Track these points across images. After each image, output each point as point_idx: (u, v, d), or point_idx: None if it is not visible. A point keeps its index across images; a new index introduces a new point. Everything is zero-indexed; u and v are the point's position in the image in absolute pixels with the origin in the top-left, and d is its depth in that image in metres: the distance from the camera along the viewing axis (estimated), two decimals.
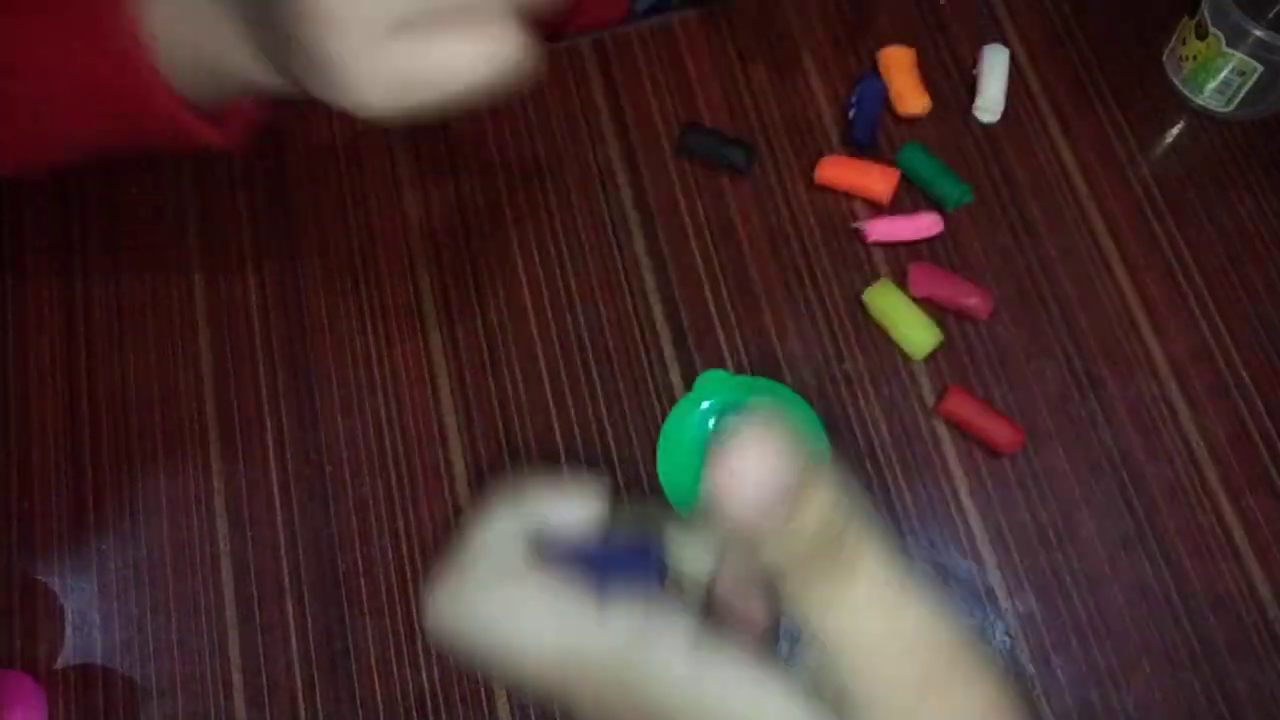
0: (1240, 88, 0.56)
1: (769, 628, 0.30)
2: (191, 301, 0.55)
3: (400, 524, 0.51)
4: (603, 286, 0.55)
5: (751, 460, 0.25)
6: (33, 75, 0.42)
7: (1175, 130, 0.58)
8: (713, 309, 0.54)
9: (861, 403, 0.53)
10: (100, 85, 0.42)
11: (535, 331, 0.54)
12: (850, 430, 0.52)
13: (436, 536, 0.51)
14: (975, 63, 0.59)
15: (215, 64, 0.42)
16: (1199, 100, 0.58)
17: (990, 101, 0.58)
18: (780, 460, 0.25)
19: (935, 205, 0.56)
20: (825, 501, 0.26)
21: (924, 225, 0.55)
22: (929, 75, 0.59)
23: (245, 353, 0.54)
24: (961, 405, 0.51)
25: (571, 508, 0.33)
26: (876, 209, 0.56)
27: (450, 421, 0.53)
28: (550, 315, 0.54)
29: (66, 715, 0.48)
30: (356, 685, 0.48)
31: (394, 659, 0.49)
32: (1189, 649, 0.48)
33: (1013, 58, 0.59)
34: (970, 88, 0.59)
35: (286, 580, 0.50)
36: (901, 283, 0.54)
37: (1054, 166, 0.57)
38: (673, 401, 0.52)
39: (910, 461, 0.51)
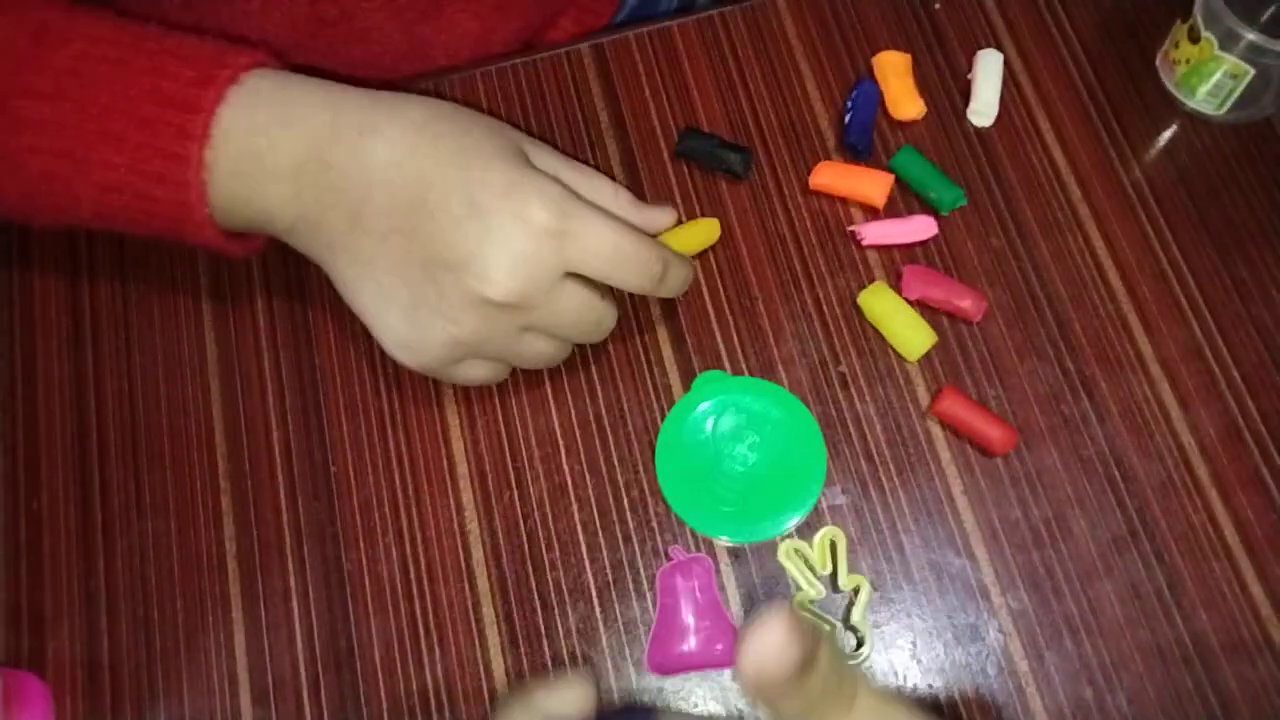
0: (1233, 91, 0.56)
1: None
2: (198, 303, 0.56)
3: (404, 522, 0.51)
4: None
5: (771, 643, 0.31)
6: (88, 180, 0.45)
7: (1168, 133, 0.59)
8: (711, 311, 0.55)
9: (857, 403, 0.53)
10: (145, 197, 0.45)
11: None
12: (845, 430, 0.53)
13: (440, 535, 0.51)
14: (969, 67, 0.60)
15: (260, 223, 0.46)
16: (1191, 103, 0.59)
17: (984, 106, 0.58)
18: (793, 640, 0.31)
19: (930, 209, 0.57)
20: (829, 659, 0.33)
21: (918, 228, 0.56)
22: (924, 80, 0.60)
23: (251, 355, 0.55)
24: (955, 406, 0.52)
25: (567, 700, 0.40)
26: (872, 213, 0.57)
27: (453, 421, 0.53)
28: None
29: (73, 714, 0.49)
30: (361, 683, 0.49)
31: (398, 657, 0.49)
32: (1181, 646, 0.49)
33: (1007, 62, 0.60)
34: (965, 92, 0.60)
35: (292, 579, 0.51)
36: (896, 285, 0.55)
37: (1047, 169, 0.58)
38: (672, 402, 0.53)
39: (904, 461, 0.52)
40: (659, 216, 0.54)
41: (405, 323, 0.45)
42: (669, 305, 0.55)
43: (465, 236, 0.43)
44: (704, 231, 0.56)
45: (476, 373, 0.49)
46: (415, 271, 0.44)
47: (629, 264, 0.46)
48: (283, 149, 0.44)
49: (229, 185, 0.44)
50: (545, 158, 0.49)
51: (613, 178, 0.58)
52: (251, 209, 0.45)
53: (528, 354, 0.48)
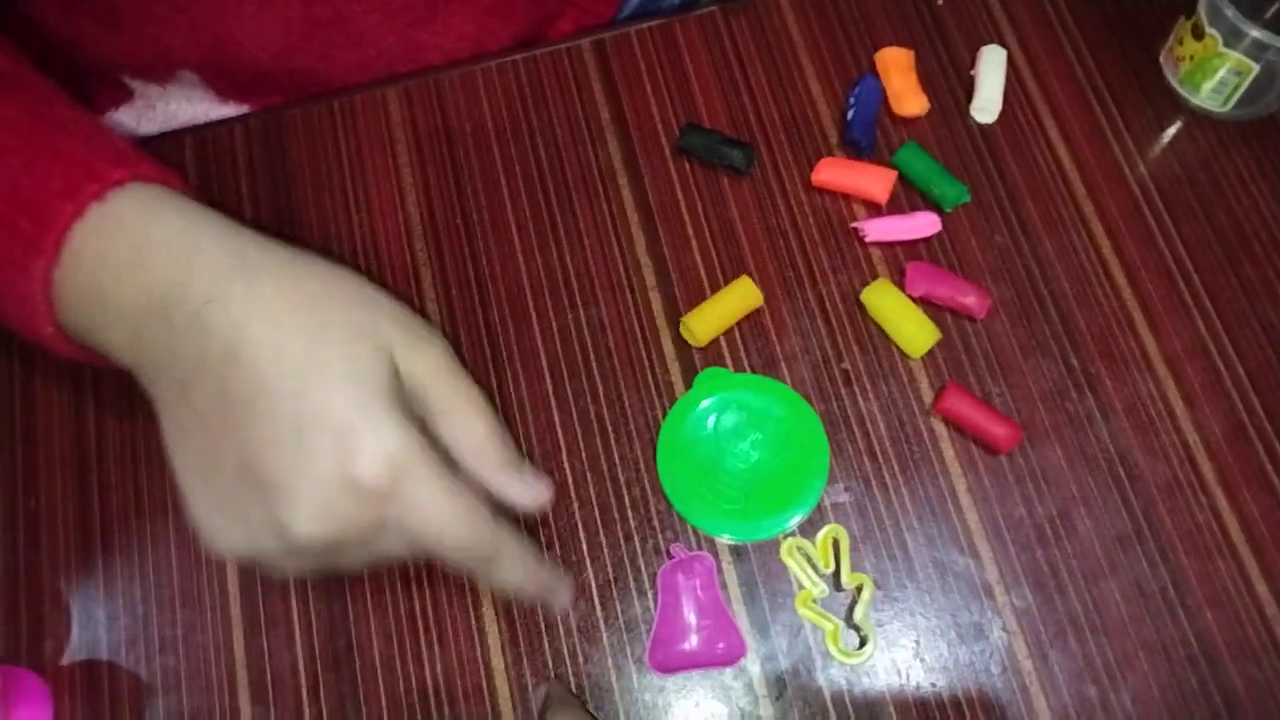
0: (1237, 87, 0.56)
1: None
2: None
3: None
4: (603, 285, 0.55)
5: None
6: None
7: (1172, 130, 0.59)
8: None
9: (860, 401, 0.53)
10: None
11: (536, 330, 0.55)
12: (848, 428, 0.52)
13: None
14: (973, 63, 0.60)
15: (102, 353, 0.42)
16: (1196, 100, 0.58)
17: (988, 102, 0.58)
18: None
19: (933, 205, 0.56)
20: None
21: (922, 225, 0.55)
22: (927, 76, 0.60)
23: None
24: (959, 403, 0.51)
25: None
26: (874, 209, 0.57)
27: None
28: (551, 314, 0.55)
29: (72, 712, 0.49)
30: (360, 681, 0.49)
31: (398, 655, 0.49)
32: (1186, 645, 0.48)
33: (1010, 58, 0.59)
34: (968, 88, 0.59)
35: (291, 578, 0.50)
36: (900, 282, 0.55)
37: (1051, 166, 0.58)
38: (673, 400, 0.53)
39: (908, 459, 0.52)
40: (524, 491, 0.44)
41: (213, 509, 0.40)
42: (671, 301, 0.55)
43: (282, 463, 0.38)
44: (743, 298, 0.54)
45: (293, 565, 0.41)
46: (228, 470, 0.39)
47: (453, 548, 0.40)
48: (127, 294, 0.40)
49: (72, 316, 0.41)
50: (422, 370, 0.42)
51: (614, 176, 0.58)
52: (92, 340, 0.42)
53: (352, 565, 0.41)
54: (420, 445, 0.39)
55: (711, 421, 0.52)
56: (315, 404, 0.38)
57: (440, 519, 0.39)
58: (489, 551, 0.41)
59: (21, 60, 0.46)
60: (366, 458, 0.38)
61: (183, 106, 0.62)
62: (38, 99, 0.44)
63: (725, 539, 0.51)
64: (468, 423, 0.42)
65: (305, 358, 0.39)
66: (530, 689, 0.48)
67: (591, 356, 0.54)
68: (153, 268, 0.40)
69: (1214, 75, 0.56)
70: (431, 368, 0.42)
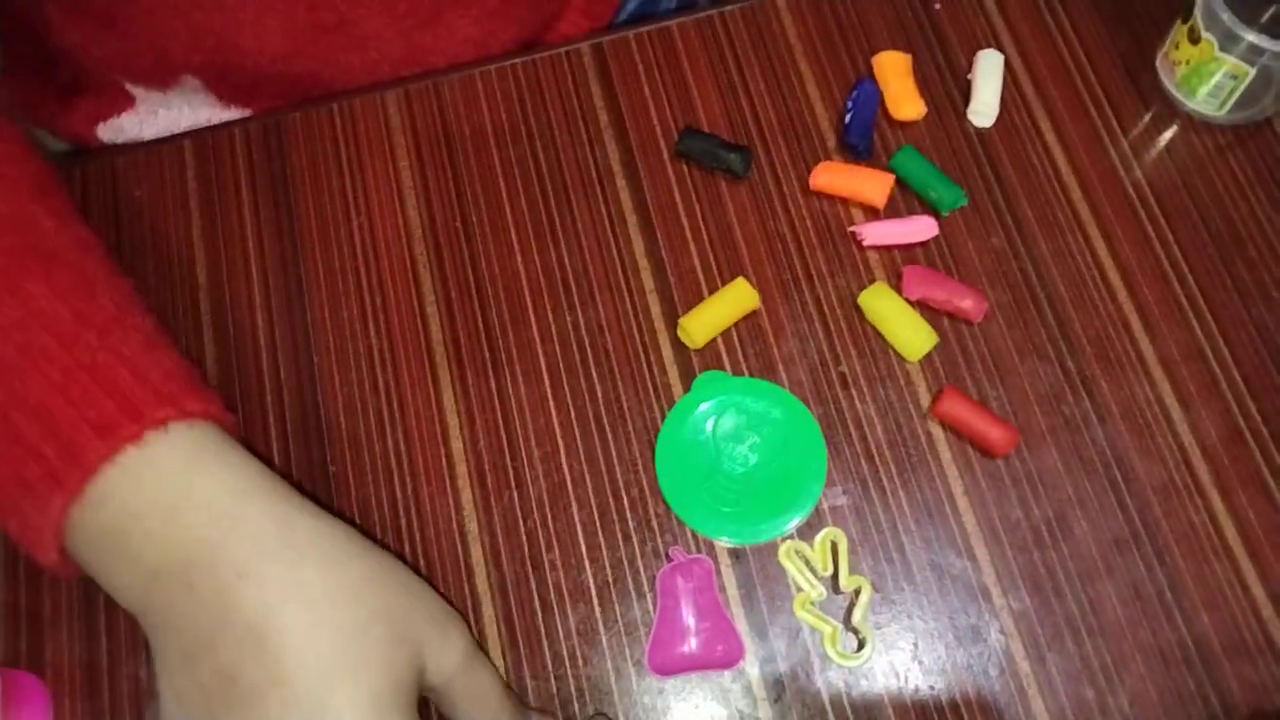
0: (1233, 92, 0.56)
1: None
2: (196, 304, 0.56)
3: (403, 522, 0.51)
4: (602, 288, 0.56)
5: None
6: None
7: (1168, 134, 0.59)
8: None
9: (857, 404, 0.53)
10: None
11: (535, 332, 0.55)
12: (846, 431, 0.53)
13: (439, 535, 0.51)
14: (970, 68, 0.60)
15: (111, 593, 0.40)
16: (1192, 104, 0.59)
17: (985, 106, 0.58)
18: None
19: (931, 209, 0.57)
20: None
21: (919, 229, 0.55)
22: (924, 80, 0.60)
23: (249, 354, 0.54)
24: (956, 406, 0.51)
25: None
26: (872, 213, 0.57)
27: (452, 421, 0.53)
28: (550, 316, 0.55)
29: (72, 715, 0.49)
30: None
31: None
32: (1183, 647, 0.49)
33: (1007, 62, 0.60)
34: (965, 92, 0.59)
35: None
36: (897, 286, 0.55)
37: (1048, 170, 0.58)
38: (671, 402, 0.53)
39: (905, 462, 0.52)
40: None
41: None
42: (669, 304, 0.55)
43: None
44: (739, 299, 0.54)
45: None
46: None
47: None
48: (151, 549, 0.38)
49: (86, 551, 0.39)
50: (450, 666, 0.41)
51: (613, 179, 0.58)
52: (99, 580, 0.40)
53: None
54: None
55: (710, 424, 0.52)
56: (335, 712, 0.36)
57: None
58: None
59: (87, 242, 0.43)
60: None
61: (184, 112, 0.62)
62: (88, 297, 0.41)
63: (724, 541, 0.51)
64: (484, 710, 0.43)
65: (335, 656, 0.37)
66: None
67: (590, 359, 0.54)
68: (187, 528, 0.37)
69: (1210, 79, 0.56)
70: (459, 663, 0.41)
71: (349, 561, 0.39)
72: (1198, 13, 0.55)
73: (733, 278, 0.55)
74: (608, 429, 0.53)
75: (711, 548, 0.51)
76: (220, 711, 0.36)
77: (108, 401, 0.38)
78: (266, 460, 0.52)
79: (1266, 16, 0.54)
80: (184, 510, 0.38)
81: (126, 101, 0.62)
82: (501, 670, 0.49)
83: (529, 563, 0.51)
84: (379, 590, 0.39)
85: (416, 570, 0.50)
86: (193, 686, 0.37)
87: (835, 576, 0.50)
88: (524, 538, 0.51)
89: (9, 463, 0.38)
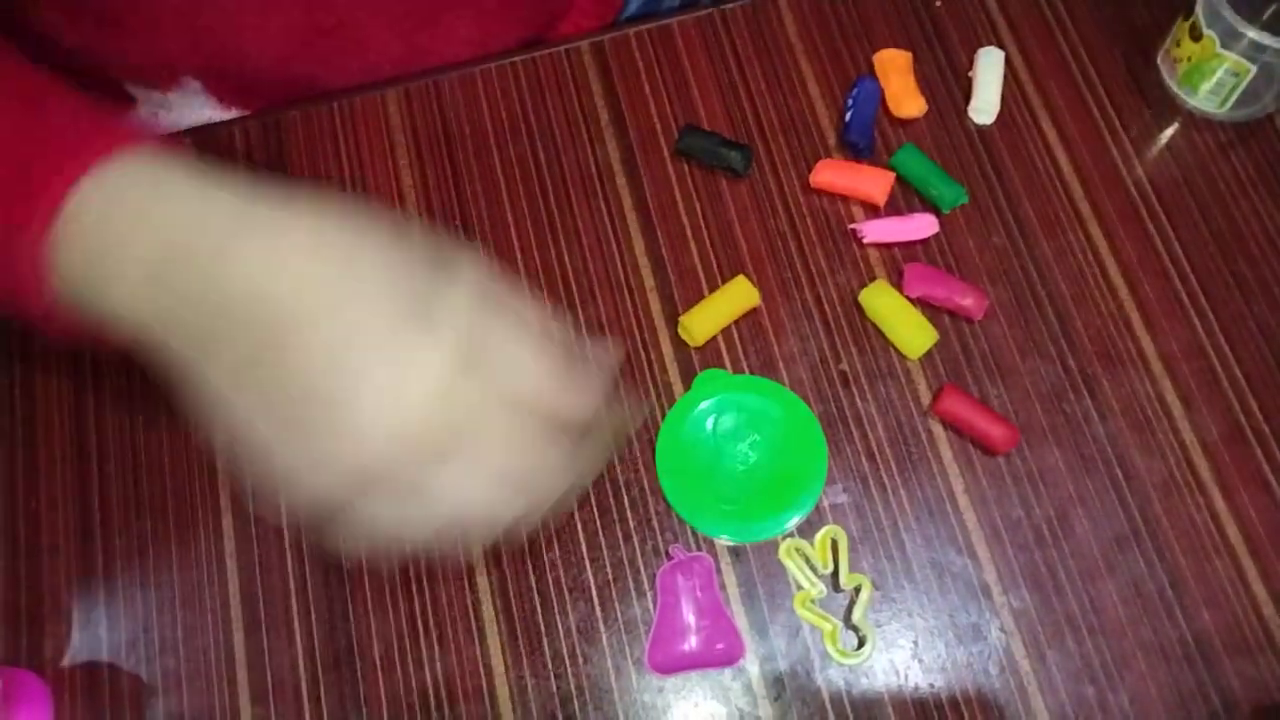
0: (1234, 89, 0.56)
1: None
2: None
3: None
4: (603, 286, 0.56)
5: None
6: None
7: (1169, 131, 0.59)
8: None
9: (858, 402, 0.53)
10: None
11: None
12: (847, 429, 0.53)
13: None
14: (971, 65, 0.60)
15: (109, 322, 0.39)
16: (1193, 101, 0.59)
17: (985, 104, 0.58)
18: None
19: (931, 207, 0.57)
20: None
21: (920, 226, 0.55)
22: (925, 78, 0.60)
23: None
24: (957, 404, 0.51)
25: None
26: (873, 211, 0.57)
27: None
28: (550, 314, 0.55)
29: (72, 713, 0.49)
30: (361, 682, 0.49)
31: (398, 656, 0.49)
32: (1183, 644, 0.49)
33: (1008, 60, 0.60)
34: (966, 90, 0.59)
35: (291, 578, 0.50)
36: (898, 283, 0.55)
37: (1048, 167, 0.58)
38: (672, 401, 0.53)
39: (906, 460, 0.52)
40: (576, 401, 0.41)
41: (279, 459, 0.38)
42: (669, 303, 0.55)
43: (336, 383, 0.36)
44: (738, 297, 0.54)
45: (386, 513, 0.39)
46: (279, 416, 0.37)
47: (547, 394, 0.39)
48: (135, 247, 0.38)
49: (75, 272, 0.39)
50: (455, 306, 0.39)
51: (613, 177, 0.58)
52: (97, 306, 0.39)
53: (412, 523, 0.39)
54: (469, 336, 0.37)
55: (710, 423, 0.52)
56: (355, 323, 0.36)
57: (531, 370, 0.38)
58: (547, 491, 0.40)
59: (19, 58, 0.45)
60: (414, 371, 0.36)
61: (185, 114, 0.62)
62: (34, 85, 0.42)
63: (724, 540, 0.51)
64: (519, 354, 0.40)
65: (336, 282, 0.37)
66: None
67: (590, 357, 0.54)
68: (163, 219, 0.38)
69: (1211, 76, 0.56)
70: (468, 308, 0.39)
71: (328, 221, 0.39)
72: (1199, 10, 0.55)
73: (733, 276, 0.55)
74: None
75: (712, 546, 0.51)
76: (255, 382, 0.37)
77: (70, 135, 0.39)
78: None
79: (1268, 14, 0.54)
80: (157, 206, 0.38)
81: (127, 103, 0.62)
82: (502, 669, 0.49)
83: (529, 561, 0.51)
84: (366, 236, 0.39)
85: (417, 569, 0.50)
86: (221, 373, 0.37)
87: (835, 574, 0.50)
88: (524, 536, 0.51)
89: None
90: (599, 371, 0.42)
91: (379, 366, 0.36)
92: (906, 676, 0.48)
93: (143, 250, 0.38)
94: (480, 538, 0.40)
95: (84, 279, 0.39)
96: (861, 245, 0.56)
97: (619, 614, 0.50)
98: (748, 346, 0.54)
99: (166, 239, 0.37)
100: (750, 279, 0.55)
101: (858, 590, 0.49)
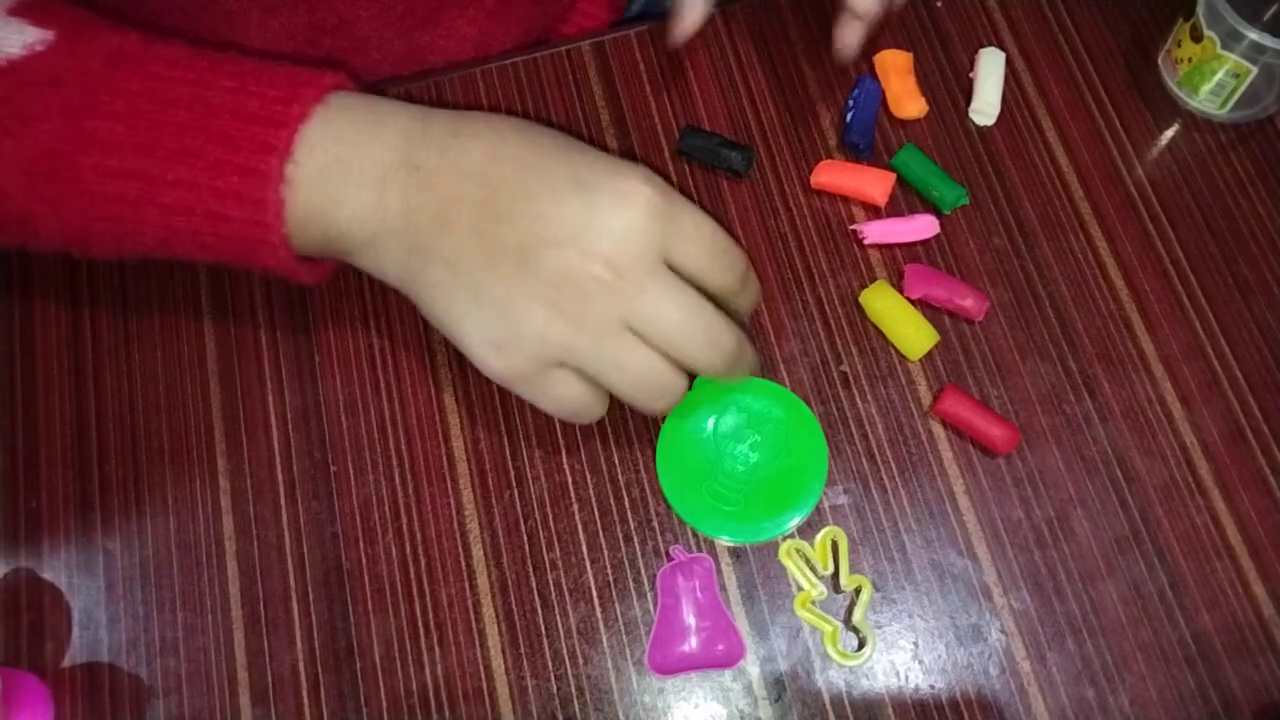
0: (1235, 90, 0.56)
1: None
2: (197, 302, 0.56)
3: (404, 522, 0.51)
4: None
5: None
6: (156, 201, 0.43)
7: (1170, 132, 0.59)
8: None
9: (858, 402, 0.53)
10: (218, 217, 0.43)
11: None
12: (847, 430, 0.53)
13: (440, 534, 0.51)
14: (971, 66, 0.60)
15: (337, 239, 0.45)
16: (1194, 102, 0.59)
17: (986, 105, 0.58)
18: None
19: (932, 208, 0.57)
20: None
21: (920, 227, 0.55)
22: (926, 79, 0.60)
23: (250, 354, 0.54)
24: (957, 405, 0.51)
25: None
26: (873, 211, 0.57)
27: (453, 420, 0.53)
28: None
29: (73, 714, 0.49)
30: (361, 683, 0.49)
31: (398, 657, 0.49)
32: (1183, 646, 0.49)
33: (1009, 61, 0.60)
34: (966, 91, 0.59)
35: (291, 579, 0.50)
36: (898, 284, 0.55)
37: (1049, 168, 0.58)
38: None
39: (906, 461, 0.52)
40: (748, 286, 0.48)
41: (498, 318, 0.43)
42: None
43: (569, 211, 0.42)
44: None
45: (568, 390, 0.44)
46: (509, 260, 0.42)
47: (722, 258, 0.45)
48: (369, 155, 0.43)
49: (309, 199, 0.43)
50: (642, 172, 0.47)
51: None
52: (330, 224, 0.44)
53: (626, 362, 0.43)
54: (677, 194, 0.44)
55: (711, 423, 0.52)
56: (582, 161, 0.43)
57: (710, 228, 0.44)
58: (745, 263, 0.46)
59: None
60: (640, 179, 0.43)
61: None
62: (215, 48, 0.46)
63: (724, 541, 0.51)
64: (695, 218, 0.45)
65: (555, 146, 0.44)
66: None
67: None
68: (390, 128, 0.44)
69: (1212, 78, 0.56)
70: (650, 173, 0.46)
71: (526, 125, 0.46)
72: (1200, 11, 0.55)
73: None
74: (608, 428, 0.53)
75: (712, 547, 0.51)
76: (488, 231, 0.43)
77: (282, 83, 0.44)
78: (268, 454, 0.52)
79: (1269, 15, 0.54)
80: (382, 122, 0.44)
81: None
82: (502, 670, 0.49)
83: (529, 562, 0.51)
84: (555, 135, 0.46)
85: (417, 567, 0.50)
86: (451, 238, 0.43)
87: (836, 575, 0.50)
88: (525, 537, 0.51)
89: (222, 165, 0.43)
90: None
91: (607, 192, 0.43)
92: (907, 678, 0.48)
93: (377, 157, 0.43)
94: (664, 402, 0.45)
95: (317, 202, 0.43)
96: (862, 246, 0.56)
97: (619, 615, 0.50)
98: None
99: (399, 142, 0.43)
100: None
101: (858, 591, 0.49)
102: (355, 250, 0.45)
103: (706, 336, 0.44)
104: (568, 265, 0.42)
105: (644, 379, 0.44)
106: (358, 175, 0.43)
